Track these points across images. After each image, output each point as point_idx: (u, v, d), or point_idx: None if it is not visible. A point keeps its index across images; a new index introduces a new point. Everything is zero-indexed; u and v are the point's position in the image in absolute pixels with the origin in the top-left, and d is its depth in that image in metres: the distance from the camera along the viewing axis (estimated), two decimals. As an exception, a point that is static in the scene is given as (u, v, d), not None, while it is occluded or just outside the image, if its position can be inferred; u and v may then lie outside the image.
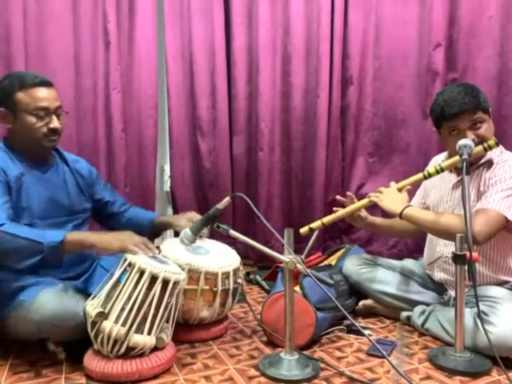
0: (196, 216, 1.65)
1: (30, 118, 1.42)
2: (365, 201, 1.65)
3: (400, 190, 1.58)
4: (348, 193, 1.73)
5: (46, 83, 1.47)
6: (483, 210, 1.42)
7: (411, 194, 1.63)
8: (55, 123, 1.45)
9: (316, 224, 1.70)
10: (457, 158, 1.42)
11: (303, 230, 1.71)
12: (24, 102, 1.42)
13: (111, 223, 1.76)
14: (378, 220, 1.81)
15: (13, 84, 1.42)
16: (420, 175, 1.56)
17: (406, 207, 1.51)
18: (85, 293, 1.41)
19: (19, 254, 1.27)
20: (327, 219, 1.69)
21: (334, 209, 1.72)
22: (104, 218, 1.76)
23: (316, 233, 1.70)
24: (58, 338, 1.33)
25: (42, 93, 1.44)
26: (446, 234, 1.44)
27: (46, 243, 1.26)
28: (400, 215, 1.51)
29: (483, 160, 1.54)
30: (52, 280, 1.39)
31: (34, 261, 1.26)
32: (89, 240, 1.32)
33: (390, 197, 1.56)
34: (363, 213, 1.74)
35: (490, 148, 1.43)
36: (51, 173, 1.54)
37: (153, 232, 1.74)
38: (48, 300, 1.27)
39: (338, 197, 1.76)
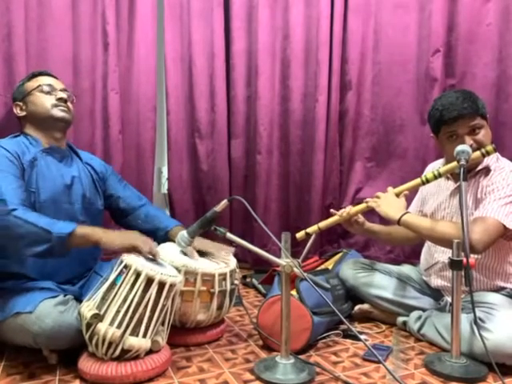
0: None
1: (37, 94, 1.54)
2: (362, 206, 1.63)
3: (397, 195, 1.57)
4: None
5: (51, 74, 1.62)
6: (481, 218, 1.41)
7: (408, 200, 1.62)
8: (62, 94, 1.57)
9: (312, 229, 1.69)
10: (455, 163, 1.42)
11: (299, 234, 1.71)
12: (30, 87, 1.56)
13: (126, 221, 1.75)
14: (376, 227, 1.79)
15: (23, 80, 1.60)
16: (418, 180, 1.56)
17: (404, 213, 1.50)
18: (81, 300, 1.38)
19: (27, 240, 1.26)
20: (323, 224, 1.68)
21: (332, 211, 1.71)
22: (118, 214, 1.75)
23: (313, 237, 1.69)
24: (53, 348, 1.31)
25: (47, 79, 1.59)
26: (445, 241, 1.43)
27: (55, 233, 1.25)
28: (398, 221, 1.50)
29: (480, 167, 1.54)
30: (51, 285, 1.38)
31: (41, 249, 1.25)
32: (96, 235, 1.31)
33: (388, 202, 1.55)
34: (360, 218, 1.73)
35: (488, 154, 1.43)
36: (66, 162, 1.58)
37: (166, 240, 1.67)
38: (47, 313, 1.24)
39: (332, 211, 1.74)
